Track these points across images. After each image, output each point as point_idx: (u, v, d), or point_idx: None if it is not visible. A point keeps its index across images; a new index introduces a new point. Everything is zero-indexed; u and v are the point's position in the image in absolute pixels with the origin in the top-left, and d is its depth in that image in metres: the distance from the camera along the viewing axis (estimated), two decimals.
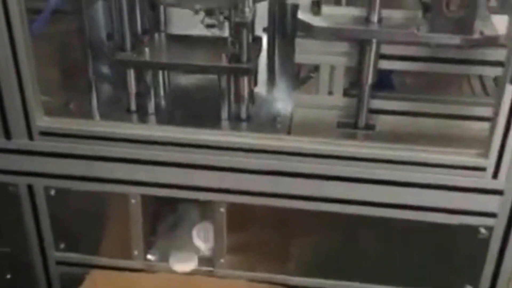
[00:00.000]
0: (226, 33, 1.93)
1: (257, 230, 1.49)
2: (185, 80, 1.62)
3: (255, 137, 1.40)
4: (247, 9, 1.37)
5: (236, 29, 1.41)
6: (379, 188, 1.37)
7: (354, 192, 1.38)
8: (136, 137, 1.41)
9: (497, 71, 1.37)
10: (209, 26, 1.94)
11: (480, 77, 1.61)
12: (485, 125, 1.39)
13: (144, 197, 1.48)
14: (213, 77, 1.48)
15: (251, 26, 1.41)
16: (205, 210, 1.53)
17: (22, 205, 1.50)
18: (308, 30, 1.34)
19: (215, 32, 1.94)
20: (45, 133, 1.41)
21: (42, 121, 1.40)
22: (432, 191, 1.36)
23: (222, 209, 1.46)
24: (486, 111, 1.43)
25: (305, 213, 1.43)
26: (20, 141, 1.42)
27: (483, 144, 1.34)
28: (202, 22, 1.92)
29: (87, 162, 1.44)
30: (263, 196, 1.42)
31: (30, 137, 1.41)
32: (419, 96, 1.48)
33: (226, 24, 1.94)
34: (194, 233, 1.54)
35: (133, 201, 1.48)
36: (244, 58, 1.40)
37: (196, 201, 1.48)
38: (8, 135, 1.42)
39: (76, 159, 1.43)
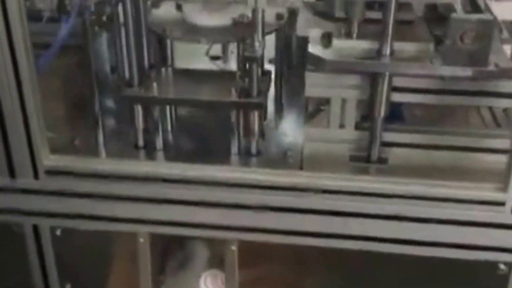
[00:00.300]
0: (231, 65, 1.92)
1: (270, 269, 1.45)
2: (192, 113, 1.59)
3: (267, 173, 1.36)
4: (257, 43, 1.35)
5: (246, 63, 1.38)
6: (394, 224, 1.34)
7: (370, 228, 1.35)
8: (145, 175, 1.38)
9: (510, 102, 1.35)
10: (214, 58, 1.93)
11: (490, 108, 1.59)
12: (499, 157, 1.37)
13: (152, 236, 1.44)
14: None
15: (261, 60, 1.38)
16: (216, 247, 1.49)
17: (27, 245, 1.46)
18: (320, 64, 1.32)
19: (219, 64, 1.93)
20: (51, 172, 1.38)
21: (48, 160, 1.37)
22: (449, 226, 1.33)
23: (233, 247, 1.42)
24: (500, 143, 1.41)
25: (319, 250, 1.40)
26: (25, 180, 1.39)
27: (498, 177, 1.32)
28: (206, 54, 1.91)
29: (94, 201, 1.40)
30: (275, 233, 1.39)
31: (36, 176, 1.38)
32: (430, 128, 1.46)
33: (231, 56, 1.93)
34: (201, 281, 1.50)
35: (141, 240, 1.44)
36: (254, 92, 1.37)
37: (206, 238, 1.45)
38: (12, 174, 1.38)
39: (83, 198, 1.40)
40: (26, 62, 1.25)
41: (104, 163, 1.40)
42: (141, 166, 1.39)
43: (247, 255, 1.43)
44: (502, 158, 1.33)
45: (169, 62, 1.51)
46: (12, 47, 1.23)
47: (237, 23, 1.51)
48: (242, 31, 1.49)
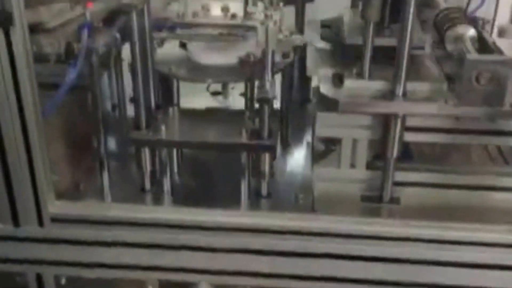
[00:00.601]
0: (231, 101, 1.90)
1: None
2: (197, 154, 1.56)
3: (280, 218, 1.33)
4: (267, 84, 1.33)
5: (256, 103, 1.36)
6: (410, 267, 1.31)
7: (387, 272, 1.32)
8: (154, 221, 1.34)
9: None
10: (215, 93, 1.91)
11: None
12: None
13: (161, 283, 1.40)
14: None
15: (272, 101, 1.36)
16: None
17: None
18: (333, 105, 1.30)
19: (220, 99, 1.91)
20: (57, 219, 1.33)
21: (53, 206, 1.32)
22: (474, 270, 1.30)
23: None
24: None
25: None
26: (30, 228, 1.33)
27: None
28: (207, 89, 1.89)
29: (102, 248, 1.35)
30: (290, 278, 1.35)
31: (41, 223, 1.33)
32: (442, 167, 1.44)
33: (231, 92, 1.91)
34: None
35: (150, 287, 1.39)
36: (265, 133, 1.35)
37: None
38: (16, 223, 1.33)
39: (90, 245, 1.35)
40: (32, 107, 1.21)
41: (111, 209, 1.35)
42: (149, 212, 1.35)
43: None
44: None
45: (175, 101, 1.48)
46: (18, 92, 1.19)
47: (243, 62, 1.49)
48: (249, 70, 1.47)
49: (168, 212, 1.36)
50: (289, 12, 1.60)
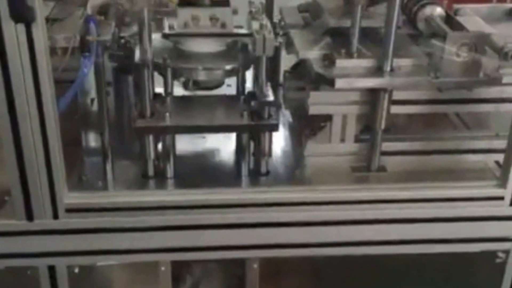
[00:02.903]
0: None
1: (290, 284, 1.51)
2: (192, 139, 1.61)
3: (282, 191, 1.43)
4: (266, 89, 1.42)
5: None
6: (407, 226, 1.44)
7: (386, 233, 1.44)
8: (163, 204, 1.39)
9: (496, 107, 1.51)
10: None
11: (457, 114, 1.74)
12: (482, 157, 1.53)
13: (173, 263, 1.45)
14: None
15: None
16: (236, 268, 1.52)
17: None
18: (329, 83, 1.40)
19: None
20: (71, 210, 1.35)
21: (68, 198, 1.35)
22: (454, 224, 1.45)
23: (255, 265, 1.46)
24: (481, 144, 1.56)
25: (336, 259, 1.47)
26: (44, 221, 1.35)
27: (482, 173, 1.48)
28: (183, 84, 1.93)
29: (114, 235, 1.39)
30: (295, 247, 1.44)
31: (55, 216, 1.35)
32: (422, 136, 1.57)
33: None
34: None
35: (162, 268, 1.44)
36: (266, 114, 1.43)
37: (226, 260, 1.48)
38: (30, 217, 1.34)
39: (102, 232, 1.39)
40: (50, 102, 1.23)
41: (122, 196, 1.40)
42: (160, 196, 1.40)
43: (267, 272, 1.48)
44: (483, 157, 1.53)
45: (169, 90, 1.52)
46: (38, 87, 1.21)
47: (231, 49, 1.57)
48: (237, 56, 1.55)
49: (174, 195, 1.42)
50: None
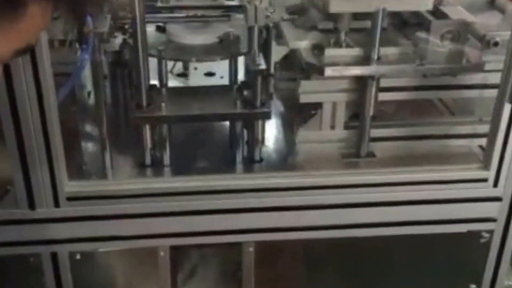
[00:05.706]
0: (192, 82, 2.00)
1: (285, 266, 1.56)
2: (184, 129, 1.66)
3: (275, 177, 1.48)
4: (258, 58, 1.46)
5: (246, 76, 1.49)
6: (396, 209, 1.50)
7: (376, 215, 1.50)
8: (160, 191, 1.44)
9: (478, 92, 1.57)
10: (180, 75, 2.01)
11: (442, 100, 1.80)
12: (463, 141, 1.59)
13: (172, 249, 1.50)
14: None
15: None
16: (232, 252, 1.57)
17: (44, 275, 1.47)
18: (319, 71, 1.45)
19: (183, 81, 2.01)
20: (72, 198, 1.40)
21: (68, 186, 1.39)
22: (441, 205, 1.51)
23: (251, 249, 1.52)
24: (465, 129, 1.62)
25: (328, 241, 1.53)
26: (46, 210, 1.40)
27: (467, 157, 1.54)
28: (171, 71, 1.99)
29: (113, 222, 1.44)
30: (289, 231, 1.50)
31: (57, 204, 1.39)
32: (408, 122, 1.63)
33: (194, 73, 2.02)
34: None
35: (161, 253, 1.49)
36: (258, 103, 1.48)
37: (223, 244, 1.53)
38: (32, 205, 1.39)
39: (103, 220, 1.43)
40: (50, 92, 1.28)
41: (121, 184, 1.44)
42: (161, 183, 1.46)
43: (263, 255, 1.53)
44: (467, 142, 1.59)
45: (164, 82, 1.57)
46: (37, 76, 1.26)
47: (223, 41, 1.62)
48: (230, 48, 1.60)
49: (173, 182, 1.47)
50: None
